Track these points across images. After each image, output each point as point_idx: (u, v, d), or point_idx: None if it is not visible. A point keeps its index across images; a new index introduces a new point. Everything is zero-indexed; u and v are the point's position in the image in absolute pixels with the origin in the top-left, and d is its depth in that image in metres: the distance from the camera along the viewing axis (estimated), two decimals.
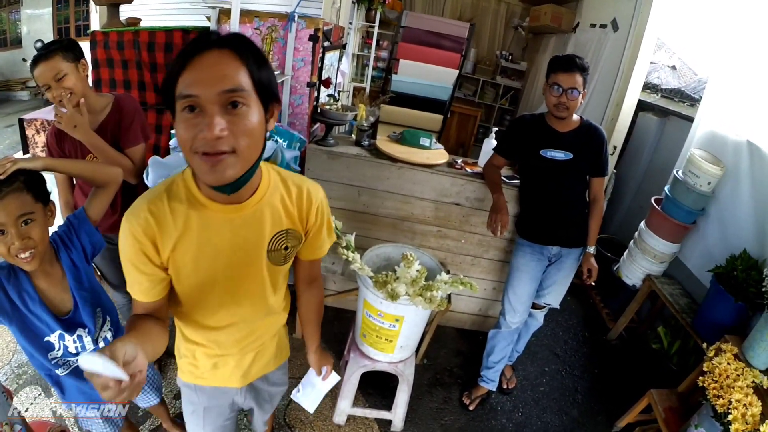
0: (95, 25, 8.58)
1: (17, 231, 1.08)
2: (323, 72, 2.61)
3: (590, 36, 4.20)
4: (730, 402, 1.62)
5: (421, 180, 2.40)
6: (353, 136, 2.57)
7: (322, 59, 2.56)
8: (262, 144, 0.86)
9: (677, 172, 2.61)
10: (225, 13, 2.31)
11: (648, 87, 3.88)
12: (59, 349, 1.24)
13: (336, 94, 2.67)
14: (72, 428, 1.88)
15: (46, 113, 2.78)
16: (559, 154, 1.97)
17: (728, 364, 1.74)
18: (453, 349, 2.76)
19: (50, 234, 1.23)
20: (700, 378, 1.79)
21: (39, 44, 8.96)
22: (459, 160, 2.49)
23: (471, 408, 2.34)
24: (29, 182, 1.12)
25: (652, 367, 2.59)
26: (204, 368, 1.16)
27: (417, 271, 1.53)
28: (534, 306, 2.26)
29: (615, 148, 3.41)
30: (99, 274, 1.95)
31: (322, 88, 2.61)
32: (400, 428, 2.16)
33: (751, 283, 2.03)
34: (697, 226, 2.60)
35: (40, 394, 2.14)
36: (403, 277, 1.55)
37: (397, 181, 2.41)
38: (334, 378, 1.47)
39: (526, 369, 2.68)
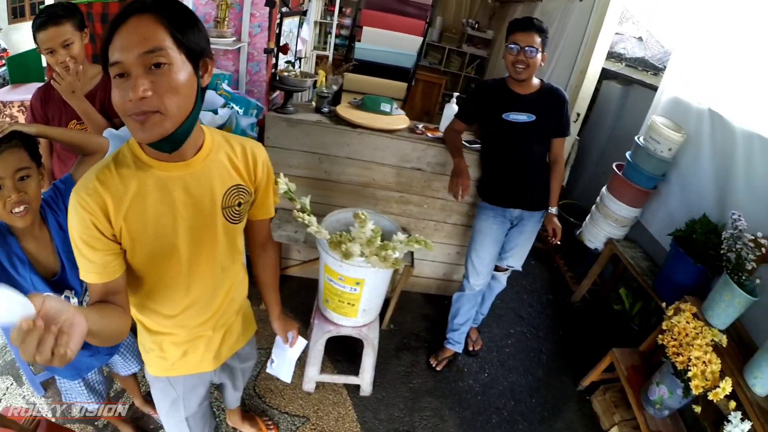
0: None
1: (14, 185, 1.14)
2: (281, 38, 2.61)
3: (556, 5, 4.29)
4: (689, 359, 1.73)
5: (381, 146, 2.46)
6: (314, 103, 2.60)
7: (280, 25, 2.56)
8: (192, 99, 0.88)
9: (639, 138, 2.71)
10: None
11: (613, 56, 3.99)
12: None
13: (296, 61, 2.68)
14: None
15: (3, 94, 2.78)
16: (521, 117, 2.03)
17: (687, 323, 1.85)
18: (419, 314, 2.88)
19: None
20: (660, 336, 1.89)
21: None
22: (420, 126, 2.56)
23: (438, 369, 2.46)
24: (25, 141, 1.20)
25: (615, 327, 2.74)
26: (173, 358, 1.19)
27: (371, 230, 1.60)
28: (497, 269, 2.37)
29: (579, 114, 3.54)
30: None
31: (281, 54, 2.61)
32: (369, 392, 2.27)
33: (710, 246, 2.11)
34: (658, 192, 2.72)
35: (11, 384, 2.15)
36: (357, 237, 1.62)
37: (357, 147, 2.46)
38: (301, 343, 1.52)
39: (491, 331, 2.81)
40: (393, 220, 2.07)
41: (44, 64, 3.28)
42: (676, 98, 2.71)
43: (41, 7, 2.55)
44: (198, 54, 0.88)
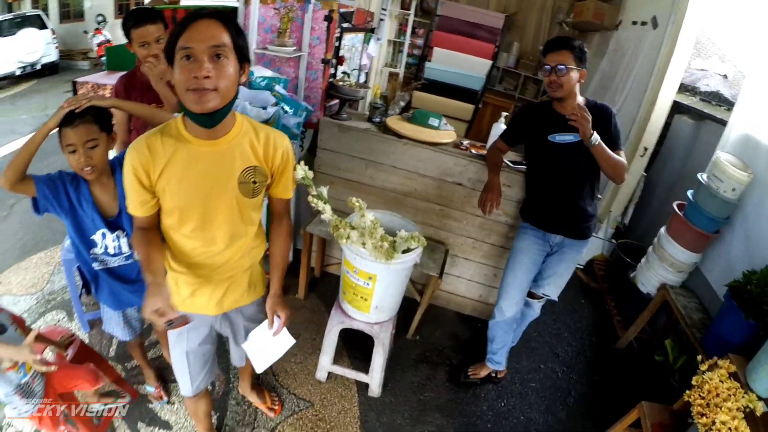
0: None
1: (84, 152, 1.49)
2: (340, 51, 2.85)
3: (630, 33, 4.22)
4: (713, 422, 1.57)
5: (425, 157, 2.58)
6: (367, 112, 2.79)
7: (340, 39, 2.81)
8: (235, 88, 1.19)
9: (702, 175, 2.58)
10: None
11: (687, 89, 3.82)
12: (100, 247, 1.67)
13: (359, 74, 2.91)
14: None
15: (98, 78, 3.24)
16: (567, 137, 2.01)
17: (720, 381, 1.68)
18: (448, 331, 2.90)
19: (111, 157, 1.64)
20: (687, 392, 1.74)
21: (100, 17, 9.84)
22: (465, 142, 2.65)
23: (499, 376, 2.55)
24: (97, 116, 1.52)
25: (653, 381, 2.58)
26: (184, 295, 1.45)
27: (371, 221, 1.72)
28: (532, 296, 2.35)
29: (646, 149, 3.44)
30: None
31: (338, 65, 2.85)
32: (378, 394, 2.35)
33: (765, 300, 1.97)
34: (720, 237, 2.55)
35: (63, 317, 2.60)
36: (358, 226, 1.75)
37: (402, 157, 2.60)
38: (287, 339, 1.56)
39: (519, 362, 2.74)
40: (415, 225, 2.16)
41: None
42: (746, 135, 2.57)
43: (164, 6, 3.02)
44: (243, 57, 1.18)
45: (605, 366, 2.88)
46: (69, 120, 1.46)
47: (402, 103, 2.91)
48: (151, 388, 2.23)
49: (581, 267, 3.78)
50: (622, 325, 3.15)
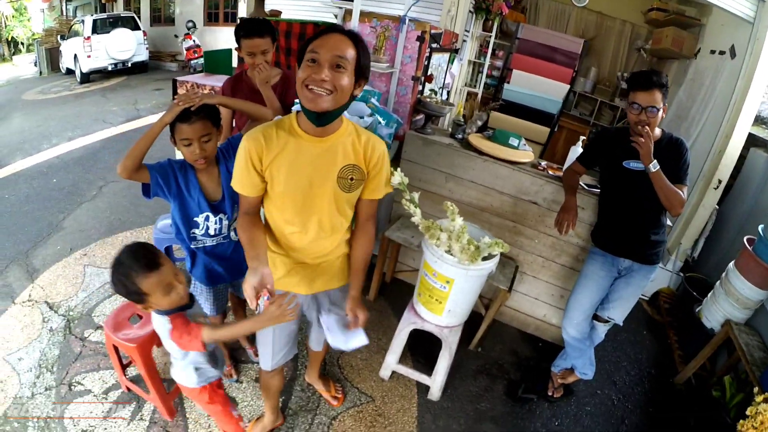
0: (242, 12, 10.08)
1: (199, 145, 1.68)
2: (428, 69, 3.05)
3: (709, 63, 4.22)
4: None
5: (503, 175, 2.73)
6: (450, 129, 2.97)
7: (429, 58, 3.00)
8: (346, 99, 1.33)
9: None
10: (349, 13, 2.94)
11: (764, 122, 3.80)
12: (201, 228, 1.87)
13: (442, 92, 3.10)
14: None
15: (197, 78, 3.58)
16: (641, 165, 2.07)
17: None
18: (509, 348, 3.00)
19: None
20: (741, 422, 1.79)
21: (190, 23, 10.63)
22: (543, 163, 2.77)
23: (555, 395, 2.65)
24: (209, 112, 1.71)
25: (709, 417, 2.57)
26: (280, 274, 1.61)
27: (460, 225, 1.89)
28: (597, 318, 2.43)
29: (720, 182, 3.43)
30: None
31: (426, 83, 3.05)
32: (437, 397, 2.47)
33: None
34: None
35: None
36: (447, 229, 1.92)
37: (480, 173, 2.76)
38: (361, 338, 1.68)
39: (577, 386, 2.78)
40: (492, 236, 2.28)
41: (234, 62, 4.18)
42: None
43: (240, 17, 3.34)
44: (360, 74, 1.34)
45: (661, 399, 2.89)
46: (185, 116, 1.64)
47: (479, 123, 3.06)
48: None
49: (646, 299, 3.77)
50: (682, 360, 3.13)
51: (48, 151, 5.75)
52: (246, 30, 2.20)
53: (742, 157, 3.59)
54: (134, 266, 1.39)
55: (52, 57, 12.09)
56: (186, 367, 1.68)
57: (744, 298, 2.66)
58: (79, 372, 2.41)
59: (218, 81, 3.40)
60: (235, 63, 4.00)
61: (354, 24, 2.69)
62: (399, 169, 1.66)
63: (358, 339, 1.68)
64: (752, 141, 3.60)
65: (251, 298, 1.32)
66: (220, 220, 1.88)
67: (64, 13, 16.14)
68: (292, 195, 1.46)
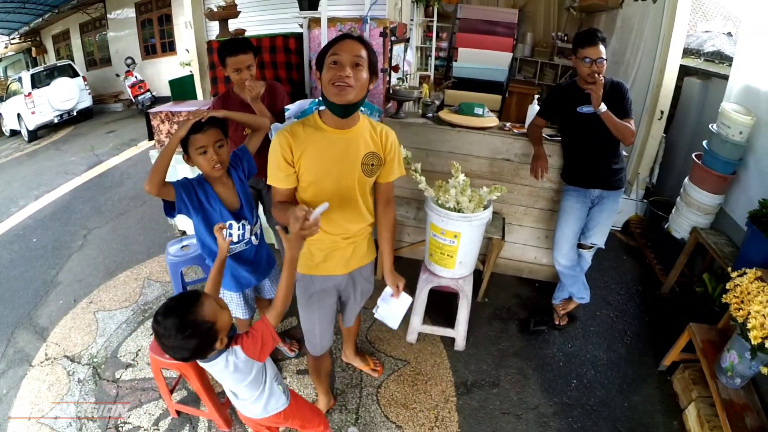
0: (180, 41, 10.06)
1: (215, 150, 1.83)
2: (392, 60, 3.33)
3: (634, 10, 4.65)
4: (749, 313, 1.95)
5: (476, 141, 3.04)
6: (420, 110, 3.26)
7: (391, 50, 3.29)
8: (365, 91, 1.56)
9: (712, 126, 2.96)
10: (314, 21, 3.16)
11: (692, 53, 4.19)
12: (226, 237, 1.96)
13: (404, 78, 3.37)
14: None
15: (168, 107, 3.68)
16: (592, 109, 2.43)
17: (750, 283, 2.06)
18: (511, 293, 3.33)
19: None
20: (724, 296, 2.11)
21: (129, 60, 10.54)
22: (507, 124, 3.10)
23: (561, 323, 2.97)
24: (218, 122, 1.87)
25: (697, 311, 2.91)
26: (318, 260, 1.80)
27: (463, 180, 2.22)
28: (582, 246, 2.78)
29: (662, 112, 3.83)
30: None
31: (393, 73, 3.32)
32: (462, 347, 2.77)
33: None
34: (737, 177, 2.91)
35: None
36: (453, 185, 2.24)
37: (456, 143, 3.07)
38: (407, 299, 1.97)
39: (578, 311, 3.11)
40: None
41: (197, 87, 4.33)
42: (746, 85, 2.94)
43: (222, 39, 3.49)
44: (372, 71, 1.57)
45: (653, 308, 3.24)
46: (197, 128, 1.78)
47: (437, 102, 3.35)
48: None
49: (618, 229, 4.16)
50: (663, 273, 3.50)
51: (18, 213, 5.64)
52: (230, 49, 2.39)
53: (678, 88, 3.99)
54: (198, 309, 1.36)
55: None
56: (271, 391, 1.67)
57: (704, 205, 3.03)
58: (122, 413, 2.47)
59: (190, 106, 3.52)
60: (200, 86, 4.14)
61: (323, 29, 2.93)
62: (402, 147, 1.92)
63: (406, 301, 1.94)
64: (685, 71, 4.00)
65: (299, 218, 1.35)
66: (243, 226, 2.02)
67: None
68: (324, 182, 1.64)
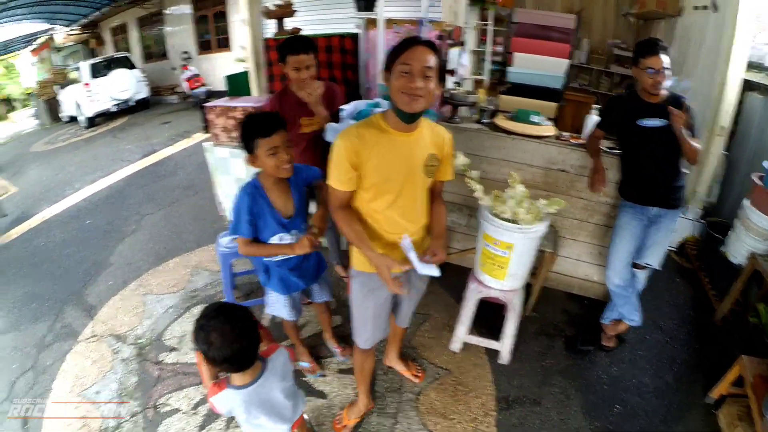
0: (235, 38, 10.26)
1: (285, 150, 1.85)
2: (448, 64, 3.27)
3: (694, 18, 4.41)
4: None
5: (531, 150, 2.95)
6: (475, 115, 3.19)
7: (447, 54, 3.22)
8: (434, 100, 1.58)
9: None
10: (371, 22, 3.14)
11: (755, 66, 3.93)
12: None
13: (460, 82, 3.31)
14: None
15: (225, 102, 3.72)
16: (655, 122, 2.36)
17: None
18: (559, 308, 3.22)
19: None
20: None
21: (185, 54, 10.88)
22: (565, 134, 2.99)
23: (609, 345, 2.84)
24: (283, 123, 1.87)
25: (750, 343, 2.75)
26: None
27: (521, 191, 2.16)
28: (636, 266, 2.64)
29: (723, 128, 3.62)
30: None
31: (449, 76, 3.26)
32: (507, 360, 2.68)
33: None
34: None
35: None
36: (511, 195, 2.18)
37: (511, 151, 2.98)
38: (432, 269, 1.71)
39: (627, 334, 2.96)
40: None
41: (252, 83, 4.36)
42: None
43: (279, 37, 3.50)
44: (441, 77, 1.60)
45: (704, 336, 3.06)
46: (266, 132, 1.80)
47: (491, 107, 3.27)
48: (305, 364, 2.61)
49: (674, 249, 3.96)
50: (717, 299, 3.29)
51: (73, 195, 5.93)
52: (293, 47, 2.39)
53: (740, 103, 3.76)
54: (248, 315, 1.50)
55: (52, 108, 12.32)
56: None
57: (763, 230, 2.83)
58: (162, 394, 2.53)
59: (245, 102, 3.56)
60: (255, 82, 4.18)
61: (380, 31, 2.90)
62: (461, 154, 1.88)
63: (431, 269, 1.71)
64: (748, 86, 3.77)
65: (389, 279, 1.63)
66: (295, 235, 2.04)
67: (55, 64, 16.34)
68: (388, 184, 1.66)
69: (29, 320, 3.32)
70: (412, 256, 1.67)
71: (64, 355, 2.87)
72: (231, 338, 1.40)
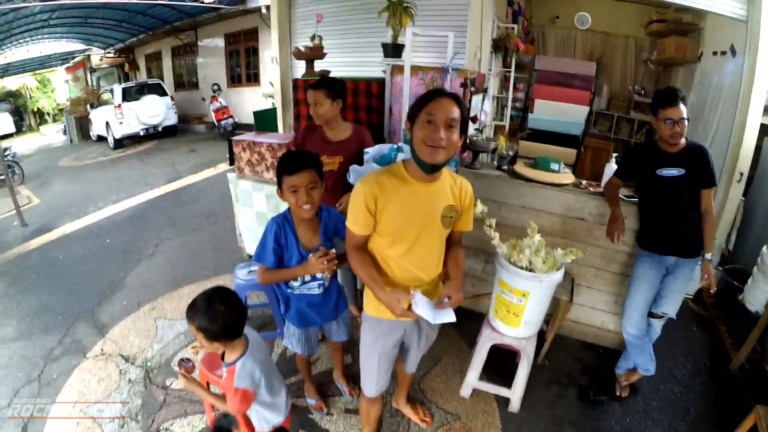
0: (265, 74, 10.59)
1: (306, 191, 1.87)
2: (471, 111, 3.35)
3: (713, 64, 4.49)
4: None
5: (550, 197, 2.98)
6: (495, 162, 3.25)
7: (470, 101, 3.31)
8: (455, 151, 1.61)
9: None
10: (397, 68, 3.24)
11: None
12: (299, 280, 2.06)
13: (481, 129, 3.39)
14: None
15: (251, 137, 3.84)
16: (673, 171, 2.39)
17: None
18: (572, 357, 3.17)
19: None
20: None
21: (216, 86, 11.25)
22: (584, 182, 3.03)
23: (623, 394, 2.79)
24: (316, 165, 1.92)
25: (766, 391, 2.71)
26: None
27: (538, 240, 2.18)
28: (652, 315, 2.62)
29: (741, 174, 3.62)
30: None
31: (471, 123, 3.34)
32: (517, 409, 2.64)
33: None
34: None
35: None
36: (528, 244, 2.19)
37: (530, 198, 3.01)
38: (450, 315, 1.70)
39: (641, 383, 2.91)
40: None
41: (279, 120, 4.51)
42: None
43: (308, 78, 3.63)
44: (464, 128, 1.63)
45: (720, 385, 3.00)
46: (293, 169, 1.85)
47: (510, 153, 3.33)
48: (312, 400, 2.60)
49: (691, 297, 3.91)
50: (733, 347, 3.24)
51: (95, 213, 6.05)
52: (315, 84, 2.51)
53: (758, 148, 3.76)
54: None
55: (82, 125, 12.77)
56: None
57: None
58: (165, 419, 2.52)
59: (270, 138, 3.64)
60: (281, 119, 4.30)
61: (406, 77, 3.01)
62: (479, 201, 1.92)
63: (447, 317, 1.70)
64: (765, 131, 3.78)
65: (396, 308, 1.63)
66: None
67: (89, 83, 16.93)
68: (405, 232, 1.69)
69: (40, 331, 3.36)
70: (426, 309, 1.67)
71: (71, 370, 2.90)
72: (223, 310, 1.62)
